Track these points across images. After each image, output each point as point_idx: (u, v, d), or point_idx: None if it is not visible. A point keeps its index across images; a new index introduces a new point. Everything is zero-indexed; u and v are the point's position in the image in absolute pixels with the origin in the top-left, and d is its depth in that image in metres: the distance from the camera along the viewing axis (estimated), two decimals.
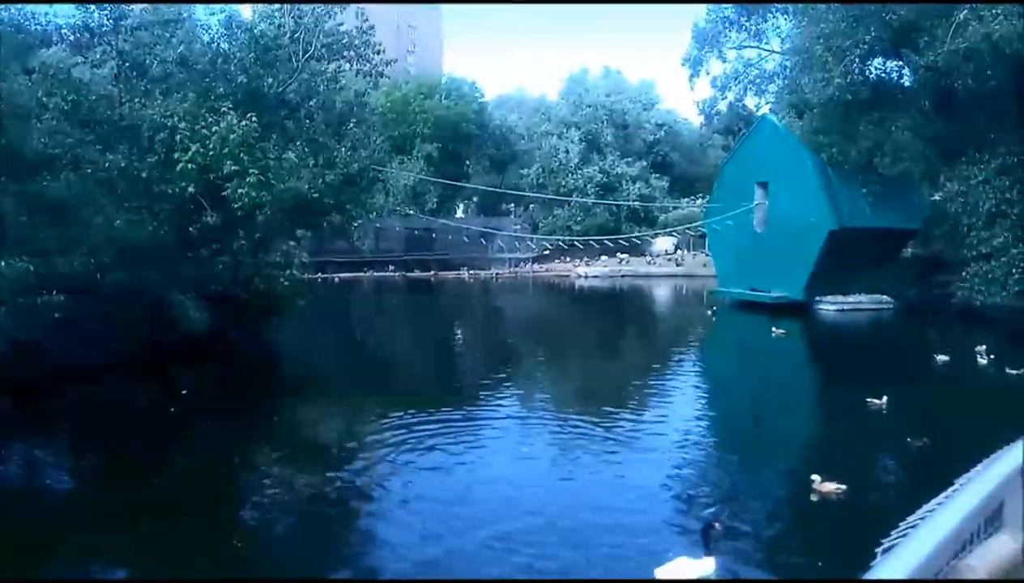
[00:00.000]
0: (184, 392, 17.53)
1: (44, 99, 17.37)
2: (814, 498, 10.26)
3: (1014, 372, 18.03)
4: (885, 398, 15.23)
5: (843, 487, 10.25)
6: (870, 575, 1.13)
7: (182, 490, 11.02)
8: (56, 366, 15.90)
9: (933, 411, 15.96)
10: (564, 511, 9.97)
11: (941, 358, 20.67)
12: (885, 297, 34.82)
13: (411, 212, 51.29)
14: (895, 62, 31.66)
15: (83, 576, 8.36)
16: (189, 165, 18.52)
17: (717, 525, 8.40)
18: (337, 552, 9.03)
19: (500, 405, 16.67)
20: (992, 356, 20.15)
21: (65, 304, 15.51)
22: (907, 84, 32.09)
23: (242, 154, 19.20)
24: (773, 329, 27.20)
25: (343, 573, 8.47)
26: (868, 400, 15.31)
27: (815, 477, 10.49)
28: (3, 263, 12.79)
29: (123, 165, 17.75)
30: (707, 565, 7.76)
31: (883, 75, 32.15)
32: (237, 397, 17.88)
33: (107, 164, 17.33)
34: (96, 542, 9.35)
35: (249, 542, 9.38)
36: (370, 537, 9.39)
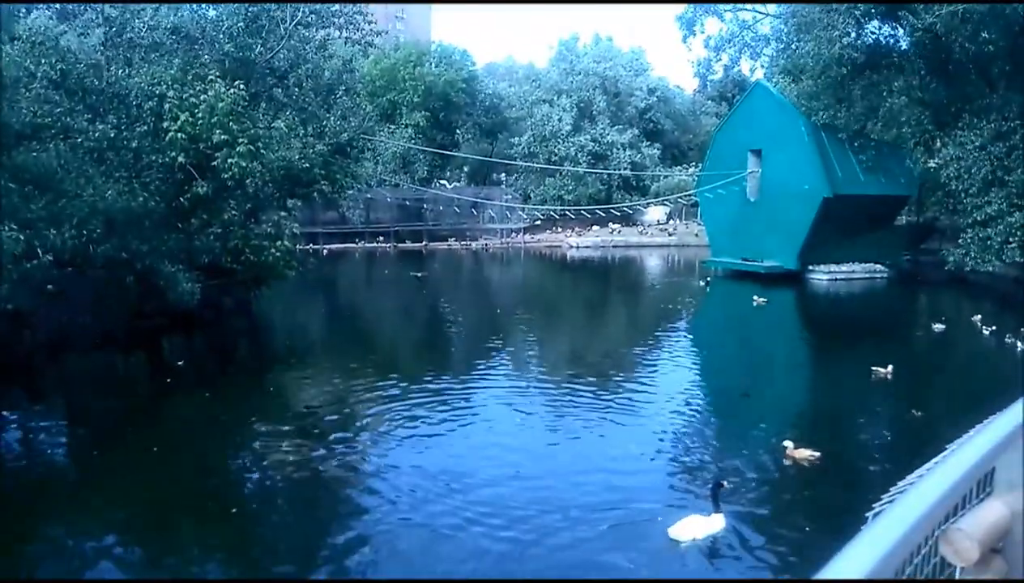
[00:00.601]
0: (180, 363, 17.73)
1: (32, 67, 17.30)
2: (787, 463, 10.47)
3: (1020, 344, 18.07)
4: (891, 367, 15.41)
5: (817, 454, 10.47)
6: (860, 537, 1.18)
7: (178, 458, 11.23)
8: (49, 337, 16.07)
9: (935, 380, 16.29)
10: (562, 476, 10.30)
11: (937, 327, 20.92)
12: (878, 266, 35.06)
13: (400, 183, 51.16)
14: (891, 27, 31.49)
15: (82, 545, 8.50)
16: (178, 134, 18.49)
17: (725, 483, 8.95)
18: (327, 518, 9.21)
19: (492, 374, 16.92)
20: (994, 327, 20.22)
21: (56, 275, 15.58)
22: (903, 47, 31.87)
23: (231, 123, 19.18)
24: (755, 298, 27.40)
25: (336, 538, 8.62)
26: (873, 368, 15.52)
27: (788, 443, 10.75)
28: None
29: (112, 135, 17.71)
30: (717, 522, 8.21)
31: (879, 39, 31.90)
32: (230, 367, 18.12)
33: (96, 134, 17.27)
34: (91, 507, 9.56)
35: (242, 508, 9.60)
36: (360, 504, 9.56)
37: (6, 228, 13.05)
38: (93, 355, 17.27)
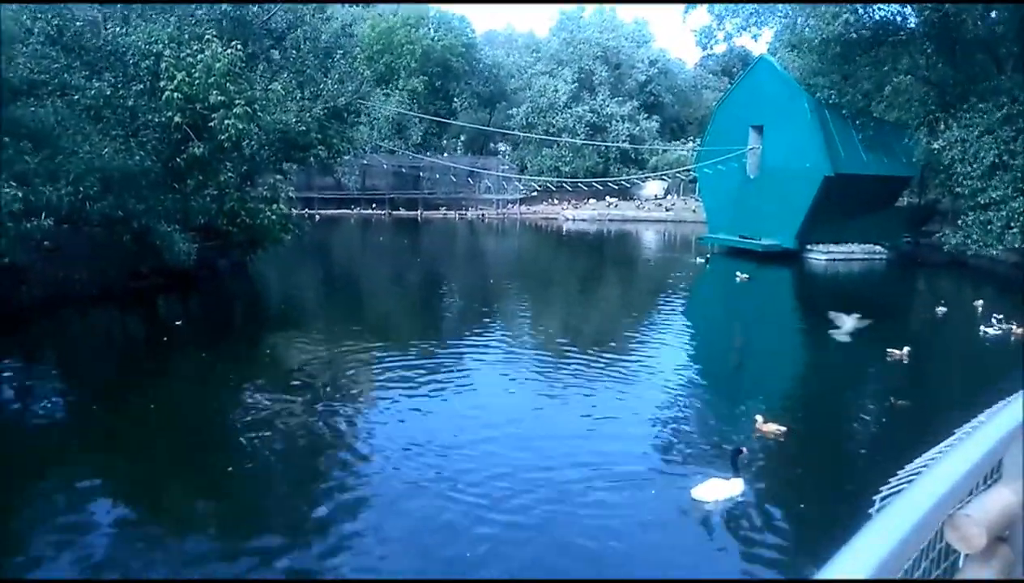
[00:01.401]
0: (178, 323, 18.08)
1: (29, 23, 17.48)
2: (755, 436, 10.70)
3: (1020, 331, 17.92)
4: (907, 349, 15.43)
5: (783, 429, 10.76)
6: (868, 527, 1.28)
7: (174, 416, 11.57)
8: (46, 292, 16.42)
9: (945, 363, 16.43)
10: (559, 439, 10.65)
11: (940, 310, 21.00)
12: (878, 247, 35.15)
13: (395, 149, 51.24)
14: (899, 4, 31.46)
15: (76, 501, 8.68)
16: (174, 94, 18.69)
17: (744, 450, 9.43)
18: (319, 477, 9.49)
19: (484, 342, 17.15)
20: (1001, 316, 19.51)
21: (53, 232, 15.89)
22: (911, 26, 31.75)
23: (228, 84, 19.39)
24: (737, 274, 27.52)
25: (326, 498, 8.81)
26: (888, 351, 15.57)
27: (758, 417, 11.02)
28: None
29: (108, 93, 17.93)
30: (737, 485, 8.77)
31: (886, 16, 31.76)
32: (226, 328, 18.48)
33: (93, 91, 17.50)
34: (87, 461, 9.85)
35: (236, 466, 9.85)
36: (351, 463, 9.78)
37: (4, 184, 13.30)
38: (90, 312, 17.63)
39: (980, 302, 21.32)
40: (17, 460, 9.76)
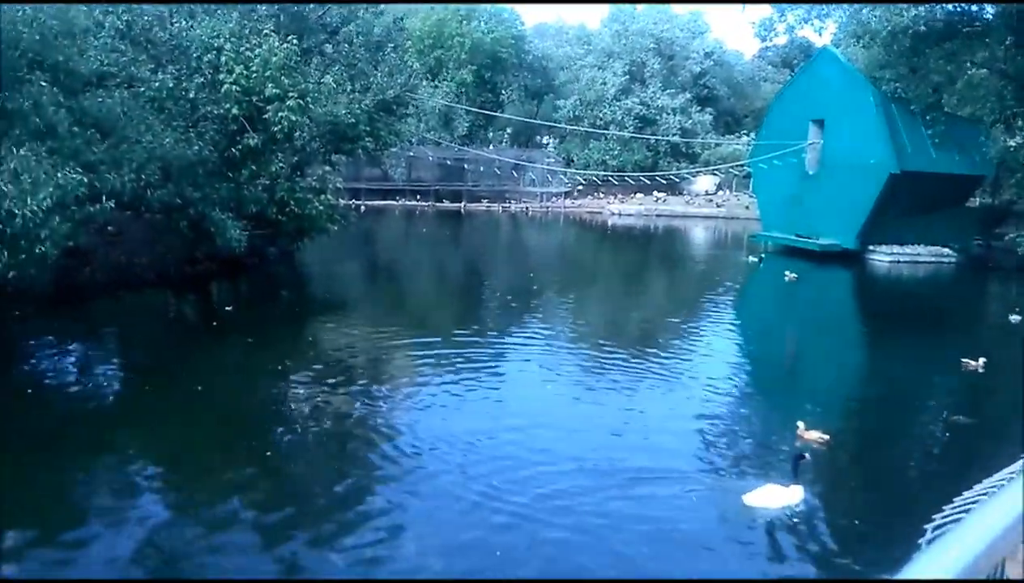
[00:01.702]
0: (229, 308, 19.03)
1: (100, 18, 18.61)
2: (798, 444, 10.50)
3: None
4: (983, 360, 14.97)
5: (826, 437, 10.59)
6: (914, 565, 1.25)
7: (221, 399, 12.22)
8: (108, 275, 17.49)
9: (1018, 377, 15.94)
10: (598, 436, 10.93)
11: (1014, 318, 20.16)
12: (946, 249, 33.93)
13: (441, 142, 52.03)
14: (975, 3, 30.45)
15: (126, 475, 9.21)
16: (233, 87, 19.60)
17: (806, 456, 9.26)
18: (357, 465, 9.80)
19: (525, 336, 17.36)
20: None
21: (115, 218, 16.94)
22: (987, 16, 30.60)
23: (283, 77, 20.22)
24: (786, 273, 27.09)
25: (364, 484, 9.14)
26: (963, 360, 15.16)
27: (800, 424, 10.88)
28: (59, 174, 14.00)
29: (171, 85, 18.90)
30: (795, 493, 8.50)
31: (959, 5, 30.64)
32: (274, 315, 19.30)
33: (157, 83, 18.49)
34: (138, 438, 10.46)
35: (276, 451, 10.26)
36: (389, 454, 10.01)
37: (71, 170, 14.22)
38: (148, 294, 18.69)
39: None
40: (71, 433, 10.45)
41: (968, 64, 29.66)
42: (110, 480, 9.14)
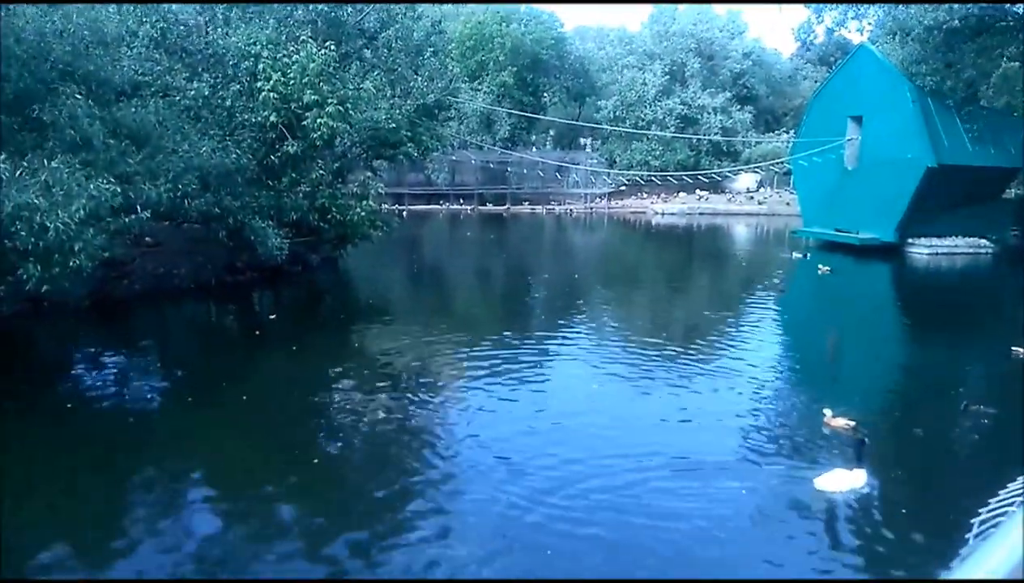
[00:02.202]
0: (272, 317, 18.32)
1: (134, 27, 17.95)
2: (825, 431, 10.59)
3: None
4: None
5: (852, 423, 10.54)
6: (963, 565, 1.22)
7: (265, 407, 11.66)
8: (146, 286, 16.89)
9: None
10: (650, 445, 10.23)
11: None
12: (983, 241, 33.27)
13: (483, 145, 51.17)
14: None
15: (175, 486, 8.85)
16: (270, 94, 18.95)
17: (867, 441, 9.36)
18: (403, 474, 9.29)
19: (569, 337, 16.87)
20: None
21: (153, 229, 16.31)
22: (1019, 10, 29.81)
23: (321, 83, 19.54)
24: (819, 267, 26.83)
25: (410, 493, 8.72)
26: (1013, 348, 14.82)
27: (827, 411, 10.88)
28: (93, 186, 13.38)
29: (207, 93, 18.28)
30: (859, 476, 8.76)
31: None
32: (316, 323, 18.62)
33: (192, 92, 17.85)
34: (184, 449, 9.96)
35: (324, 460, 9.81)
36: (435, 462, 9.64)
37: (104, 181, 13.58)
38: (187, 305, 18.09)
39: None
40: (116, 445, 10.01)
41: (1002, 57, 28.70)
42: (157, 492, 8.75)
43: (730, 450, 9.99)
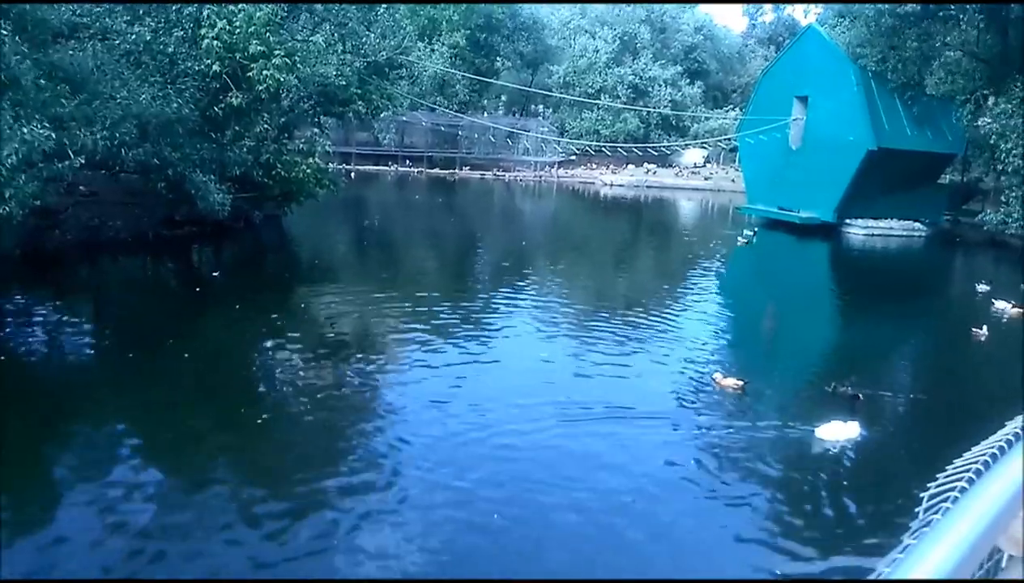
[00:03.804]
0: (216, 274, 17.81)
1: None
2: (715, 390, 11.24)
3: None
4: (985, 328, 15.22)
5: (741, 382, 11.20)
6: (911, 539, 1.24)
7: (205, 366, 11.33)
8: (80, 237, 16.22)
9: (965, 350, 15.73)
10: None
11: (982, 288, 20.42)
12: (917, 224, 34.16)
13: (434, 107, 50.41)
14: None
15: (108, 446, 8.49)
16: (215, 42, 18.24)
17: (861, 396, 10.77)
18: (342, 441, 9.13)
19: (516, 305, 16.79)
20: None
21: (88, 178, 15.64)
22: None
23: (268, 34, 18.90)
24: (739, 237, 27.83)
25: (355, 451, 8.63)
26: (973, 330, 15.32)
27: (717, 373, 11.65)
28: (25, 129, 12.73)
29: (148, 39, 17.49)
30: (854, 427, 9.73)
31: None
32: (259, 281, 18.18)
33: (133, 36, 17.06)
34: (121, 407, 9.62)
35: (267, 418, 9.58)
36: (378, 423, 9.56)
37: (37, 125, 12.94)
38: (123, 258, 17.49)
39: None
40: (46, 403, 9.60)
41: (944, 45, 29.57)
42: (92, 449, 8.43)
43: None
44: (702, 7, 66.84)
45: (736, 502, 7.99)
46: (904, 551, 1.19)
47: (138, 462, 8.11)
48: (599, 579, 6.90)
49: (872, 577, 1.20)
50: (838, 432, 9.64)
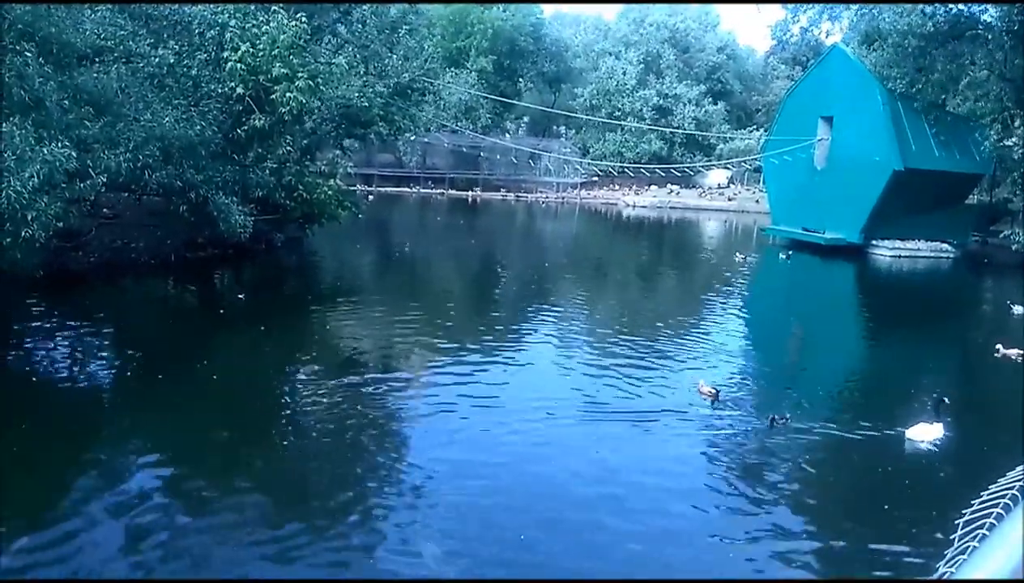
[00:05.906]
0: (240, 296, 17.78)
1: None
2: (701, 395, 11.70)
3: None
4: (1015, 350, 15.14)
5: (715, 390, 11.68)
6: (955, 563, 1.09)
7: (228, 387, 11.32)
8: (103, 259, 16.24)
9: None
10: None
11: (1017, 309, 20.21)
12: (945, 245, 33.69)
13: (457, 129, 50.51)
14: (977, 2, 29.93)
15: (133, 469, 8.34)
16: (238, 65, 18.30)
17: (946, 400, 11.24)
18: (373, 458, 9.06)
19: (539, 326, 16.73)
20: None
21: (111, 200, 15.68)
22: (989, 19, 30.35)
23: (291, 56, 18.93)
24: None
25: (382, 478, 8.48)
26: (998, 347, 15.38)
27: (700, 381, 12.06)
28: (47, 149, 12.75)
29: (172, 61, 17.57)
30: (938, 429, 10.55)
31: (964, 7, 30.40)
32: (282, 303, 18.11)
33: (157, 59, 17.13)
34: (146, 430, 9.47)
35: (292, 442, 9.54)
36: (403, 447, 9.48)
37: (59, 145, 12.96)
38: (146, 280, 17.49)
39: None
40: (71, 426, 9.49)
41: (971, 65, 29.43)
42: (114, 471, 8.30)
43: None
44: (725, 25, 66.86)
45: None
46: (966, 552, 1.16)
47: (163, 480, 8.05)
48: (599, 579, 6.87)
49: (936, 576, 1.10)
50: (926, 433, 10.45)
